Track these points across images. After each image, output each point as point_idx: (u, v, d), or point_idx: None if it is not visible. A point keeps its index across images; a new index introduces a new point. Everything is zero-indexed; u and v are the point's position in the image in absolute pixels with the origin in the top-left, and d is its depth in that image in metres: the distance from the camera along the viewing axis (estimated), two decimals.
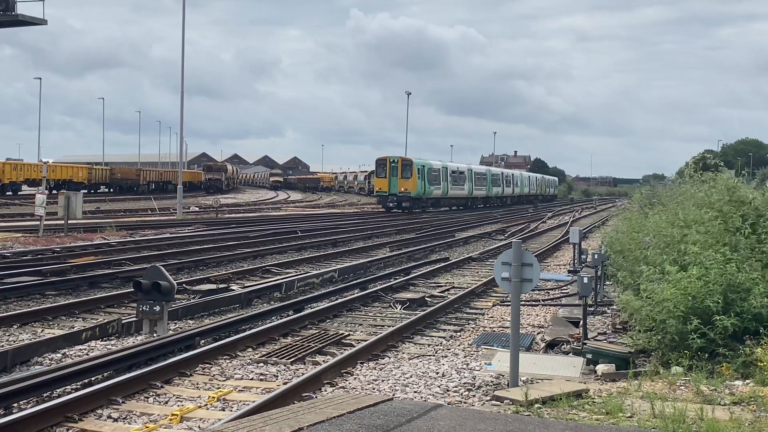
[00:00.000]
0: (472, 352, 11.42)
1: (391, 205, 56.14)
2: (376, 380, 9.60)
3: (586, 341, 11.31)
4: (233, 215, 47.37)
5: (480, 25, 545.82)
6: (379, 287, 17.38)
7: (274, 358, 10.59)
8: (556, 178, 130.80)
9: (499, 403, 8.24)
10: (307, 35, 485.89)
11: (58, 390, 8.72)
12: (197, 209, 52.51)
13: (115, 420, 7.91)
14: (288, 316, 13.82)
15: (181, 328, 12.56)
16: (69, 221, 28.98)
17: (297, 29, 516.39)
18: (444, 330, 13.41)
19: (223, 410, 8.25)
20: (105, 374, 9.45)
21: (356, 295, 16.35)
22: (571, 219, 53.19)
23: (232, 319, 12.98)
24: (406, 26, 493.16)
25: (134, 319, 12.21)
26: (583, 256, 21.96)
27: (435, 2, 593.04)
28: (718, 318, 9.15)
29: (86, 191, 57.88)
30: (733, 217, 11.16)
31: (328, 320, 13.92)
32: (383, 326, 13.45)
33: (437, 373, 9.98)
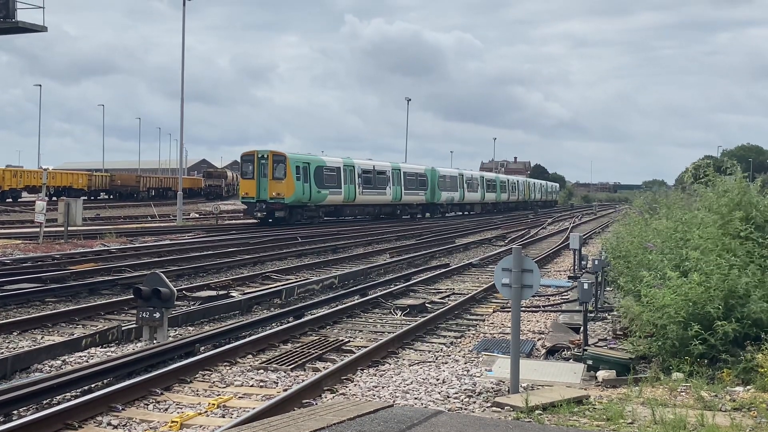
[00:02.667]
0: (472, 359, 11.40)
1: (259, 215, 43.02)
2: (376, 387, 9.59)
3: (586, 347, 11.30)
4: (233, 221, 47.35)
5: (476, 31, 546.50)
6: (379, 293, 17.37)
7: (274, 365, 10.58)
8: (554, 183, 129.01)
9: (499, 409, 8.23)
10: (303, 41, 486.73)
11: (58, 397, 8.71)
12: (197, 216, 52.49)
13: (115, 427, 7.90)
14: (288, 322, 13.81)
15: (181, 335, 12.54)
16: (69, 228, 29.00)
17: (293, 35, 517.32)
18: (444, 336, 13.40)
19: (223, 417, 8.24)
20: (105, 381, 9.43)
21: (356, 301, 16.34)
22: (571, 225, 53.18)
23: (232, 326, 12.96)
24: (401, 32, 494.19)
25: (134, 325, 12.20)
26: (583, 262, 21.95)
27: (430, 8, 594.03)
28: (718, 324, 9.14)
29: (86, 198, 57.87)
30: (735, 221, 11.14)
31: (328, 327, 13.91)
32: (383, 332, 13.43)
33: (438, 379, 9.96)
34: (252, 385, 9.66)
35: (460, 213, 71.15)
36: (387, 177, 54.15)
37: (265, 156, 42.83)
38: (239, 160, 45.28)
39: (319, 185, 44.92)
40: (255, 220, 43.55)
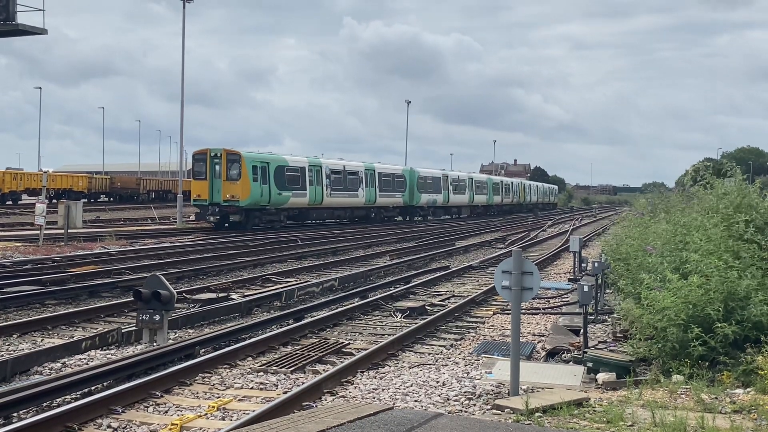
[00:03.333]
0: (472, 361, 11.40)
1: (212, 219, 39.59)
2: (376, 389, 9.58)
3: (586, 350, 11.29)
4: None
5: (475, 33, 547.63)
6: (379, 296, 17.36)
7: (274, 367, 10.57)
8: (553, 186, 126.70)
9: (499, 411, 8.23)
10: (302, 43, 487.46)
11: (57, 399, 8.71)
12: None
13: (115, 430, 7.89)
14: (288, 325, 13.80)
15: (181, 338, 12.54)
16: (69, 230, 28.99)
17: (292, 37, 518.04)
18: (444, 339, 13.39)
19: (223, 420, 8.23)
20: (105, 384, 9.43)
21: (356, 303, 16.33)
22: (571, 227, 53.19)
23: (232, 328, 12.96)
24: (400, 34, 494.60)
25: (134, 328, 12.20)
26: (583, 265, 21.95)
27: (429, 10, 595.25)
28: (718, 326, 9.14)
29: (86, 200, 57.89)
30: (738, 223, 11.15)
31: (328, 329, 13.91)
32: (383, 335, 13.43)
33: (438, 381, 9.96)
34: (252, 388, 9.66)
35: (447, 217, 66.98)
36: (359, 178, 50.18)
37: (219, 155, 39.56)
38: (191, 160, 41.60)
39: (280, 187, 41.36)
40: (208, 225, 40.49)
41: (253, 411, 8.15)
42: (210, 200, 39.26)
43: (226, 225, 39.11)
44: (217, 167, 39.40)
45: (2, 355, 10.78)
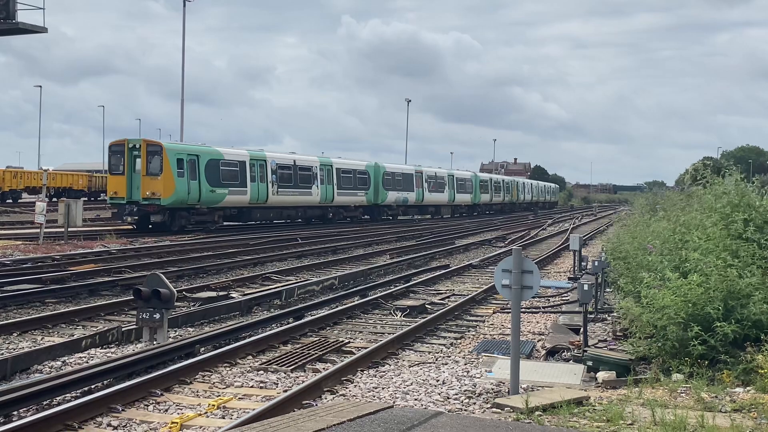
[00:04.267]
0: (472, 360, 11.40)
1: (129, 219, 34.95)
2: (376, 388, 9.58)
3: (586, 348, 11.30)
4: (233, 222, 47.27)
5: (474, 32, 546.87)
6: (379, 294, 17.36)
7: (274, 366, 10.58)
8: (551, 184, 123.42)
9: (499, 410, 8.23)
10: (301, 42, 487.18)
11: (57, 398, 8.71)
12: None
13: (115, 428, 7.89)
14: (288, 323, 13.80)
15: (181, 336, 12.54)
16: (69, 229, 29.00)
17: (291, 36, 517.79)
18: (444, 337, 13.40)
19: (223, 418, 8.24)
20: (105, 382, 9.43)
21: (356, 302, 16.33)
22: (571, 226, 53.20)
23: (232, 327, 12.96)
24: (399, 33, 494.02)
25: (134, 326, 12.20)
26: (583, 263, 21.95)
27: (428, 9, 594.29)
28: (718, 325, 9.15)
29: (86, 199, 57.86)
30: (737, 221, 11.16)
31: (328, 328, 13.91)
32: (383, 333, 13.43)
33: (438, 380, 9.96)
34: (252, 386, 9.66)
35: (419, 217, 61.92)
36: (313, 174, 45.34)
37: (138, 146, 34.96)
38: (108, 151, 37.10)
39: (213, 183, 36.85)
40: (128, 226, 35.66)
41: (254, 409, 8.15)
42: (128, 198, 34.74)
43: (150, 226, 34.92)
44: (137, 160, 34.77)
45: (2, 354, 10.78)
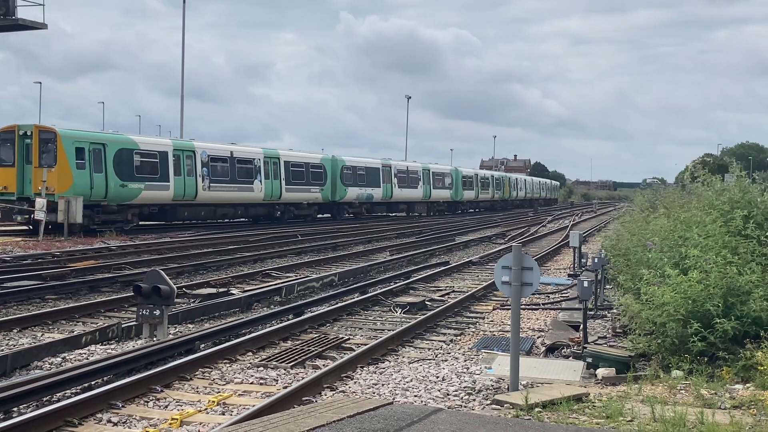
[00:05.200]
0: (472, 356, 11.41)
1: (20, 219, 30.12)
2: (376, 384, 9.59)
3: (586, 345, 11.31)
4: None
5: (474, 28, 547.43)
6: (379, 291, 17.37)
7: (274, 362, 10.58)
8: (549, 181, 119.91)
9: (499, 407, 8.24)
10: (300, 38, 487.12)
11: (57, 394, 8.72)
12: None
13: (115, 424, 7.90)
14: (288, 320, 13.81)
15: (181, 332, 12.55)
16: (69, 225, 28.97)
17: (290, 32, 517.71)
18: (444, 334, 13.40)
19: (223, 414, 8.25)
20: (105, 378, 9.44)
21: (356, 299, 16.34)
22: (571, 223, 53.21)
23: (232, 323, 12.97)
24: (398, 29, 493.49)
25: (134, 323, 12.21)
26: (583, 260, 21.95)
27: (426, 5, 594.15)
28: (718, 322, 9.15)
29: None
30: (736, 219, 11.16)
31: (328, 324, 13.92)
32: (383, 330, 13.44)
33: (437, 377, 9.97)
34: (252, 383, 9.67)
35: (389, 214, 57.52)
36: (256, 167, 40.62)
37: (29, 133, 30.33)
38: None
39: (124, 176, 32.11)
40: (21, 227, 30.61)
41: (253, 406, 8.16)
42: (19, 193, 30.28)
43: (50, 226, 29.06)
44: (27, 150, 30.28)
45: (2, 350, 10.79)
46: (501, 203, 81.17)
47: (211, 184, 36.97)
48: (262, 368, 10.36)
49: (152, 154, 34.12)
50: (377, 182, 53.28)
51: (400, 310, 15.41)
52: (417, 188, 59.21)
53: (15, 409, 8.14)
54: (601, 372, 9.84)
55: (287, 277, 19.90)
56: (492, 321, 14.69)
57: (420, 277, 20.54)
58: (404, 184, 57.00)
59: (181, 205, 35.95)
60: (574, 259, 23.82)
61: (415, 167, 60.18)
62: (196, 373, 9.91)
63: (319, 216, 48.95)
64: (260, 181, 40.91)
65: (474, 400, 8.79)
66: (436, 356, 11.49)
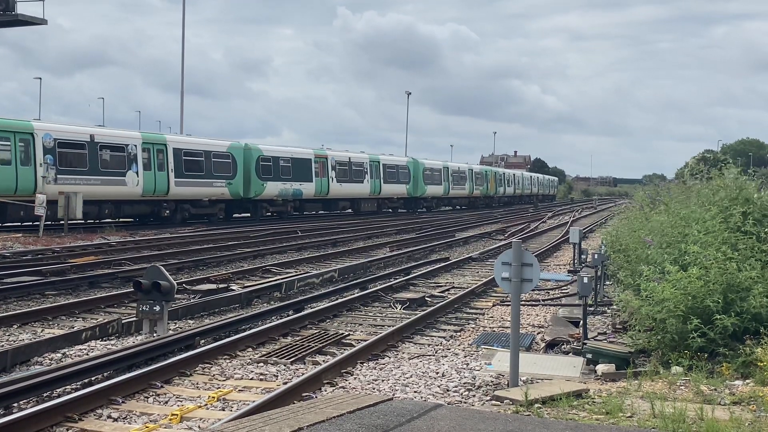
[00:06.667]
0: (472, 352, 11.42)
1: None
2: (376, 380, 9.60)
3: (586, 341, 11.31)
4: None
5: (472, 24, 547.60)
6: (379, 287, 17.38)
7: (274, 358, 10.59)
8: (543, 176, 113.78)
9: (499, 403, 8.24)
10: (298, 34, 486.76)
11: (58, 390, 8.72)
12: None
13: (115, 420, 7.91)
14: (288, 315, 13.81)
15: (181, 328, 12.56)
16: (69, 221, 28.97)
17: (288, 28, 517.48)
18: (444, 330, 13.41)
19: (223, 410, 8.25)
20: (105, 374, 9.44)
21: (356, 294, 16.35)
22: (571, 219, 53.21)
23: (232, 319, 12.98)
24: (395, 24, 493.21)
25: (134, 318, 12.21)
26: (583, 256, 21.96)
27: (424, 0, 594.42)
28: (718, 318, 9.15)
29: None
30: (735, 215, 11.16)
31: (328, 320, 13.92)
32: (383, 326, 13.44)
33: (437, 373, 9.98)
34: (252, 378, 9.67)
35: (325, 212, 49.62)
36: (130, 157, 33.35)
37: None
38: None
39: None
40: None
41: (253, 401, 8.16)
42: None
43: None
44: None
45: (2, 346, 10.79)
46: (483, 201, 74.28)
47: (58, 176, 29.96)
48: (262, 364, 10.37)
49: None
50: (308, 176, 45.28)
51: (400, 306, 15.41)
52: (362, 183, 51.18)
53: (15, 404, 8.15)
54: (601, 368, 9.84)
55: (287, 272, 19.90)
56: (492, 317, 14.70)
57: (420, 273, 20.54)
58: (345, 178, 49.02)
59: (12, 204, 28.51)
60: (574, 256, 23.83)
61: (359, 158, 51.91)
62: (196, 368, 9.92)
63: (236, 216, 42.23)
64: (136, 173, 33.38)
65: (474, 396, 8.79)
66: (436, 352, 11.50)
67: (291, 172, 43.85)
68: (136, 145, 33.73)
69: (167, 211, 35.84)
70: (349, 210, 52.20)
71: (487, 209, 71.66)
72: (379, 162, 54.35)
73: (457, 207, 69.64)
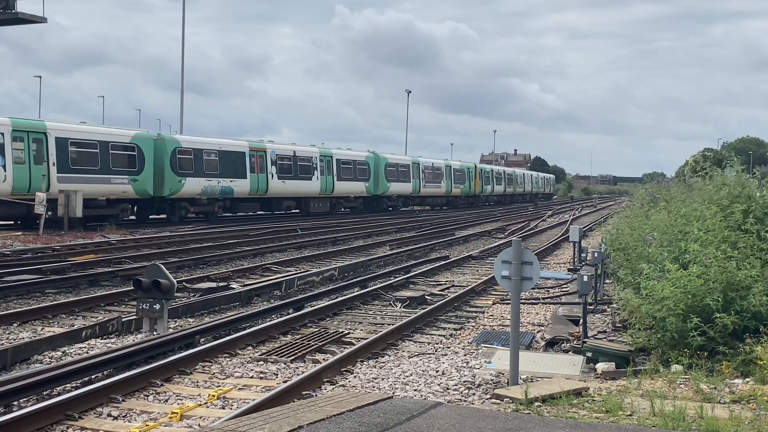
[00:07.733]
0: (472, 351, 11.42)
1: None
2: (375, 378, 9.60)
3: (585, 339, 11.31)
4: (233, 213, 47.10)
5: (471, 22, 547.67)
6: (379, 285, 17.37)
7: (274, 357, 10.59)
8: (541, 174, 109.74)
9: (498, 401, 8.25)
10: (297, 32, 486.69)
11: (58, 388, 8.72)
12: None
13: (115, 418, 7.91)
14: (288, 314, 13.81)
15: (181, 327, 12.56)
16: (69, 219, 28.96)
17: (287, 26, 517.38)
18: (444, 328, 13.41)
19: (223, 408, 8.25)
20: (105, 372, 9.44)
21: (356, 293, 16.35)
22: (571, 217, 53.21)
23: (232, 318, 12.98)
24: (394, 22, 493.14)
25: (134, 317, 12.21)
26: (583, 255, 21.96)
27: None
28: (717, 316, 9.16)
29: None
30: (735, 213, 11.16)
31: (328, 318, 13.92)
32: (383, 324, 13.44)
33: (437, 371, 9.98)
34: (252, 377, 9.68)
35: (266, 214, 44.32)
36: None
37: None
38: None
39: None
40: None
41: (253, 400, 8.17)
42: None
43: None
44: None
45: (2, 344, 10.79)
46: (465, 200, 68.36)
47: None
48: (262, 362, 10.37)
49: None
50: (241, 172, 39.74)
51: (399, 305, 15.41)
52: (311, 180, 45.57)
53: (15, 403, 8.15)
54: (601, 366, 9.85)
55: (287, 271, 19.91)
56: (492, 315, 14.70)
57: (420, 271, 20.55)
58: (289, 175, 43.46)
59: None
60: (574, 254, 23.83)
61: (307, 152, 45.89)
62: (196, 367, 9.92)
63: (152, 217, 37.14)
64: (3, 167, 28.16)
65: (474, 394, 8.80)
66: (435, 350, 11.50)
67: (219, 166, 38.17)
68: (3, 133, 28.16)
69: (49, 213, 28.83)
70: (296, 210, 46.47)
71: (487, 209, 71.58)
72: (332, 157, 48.26)
73: (436, 207, 64.62)
